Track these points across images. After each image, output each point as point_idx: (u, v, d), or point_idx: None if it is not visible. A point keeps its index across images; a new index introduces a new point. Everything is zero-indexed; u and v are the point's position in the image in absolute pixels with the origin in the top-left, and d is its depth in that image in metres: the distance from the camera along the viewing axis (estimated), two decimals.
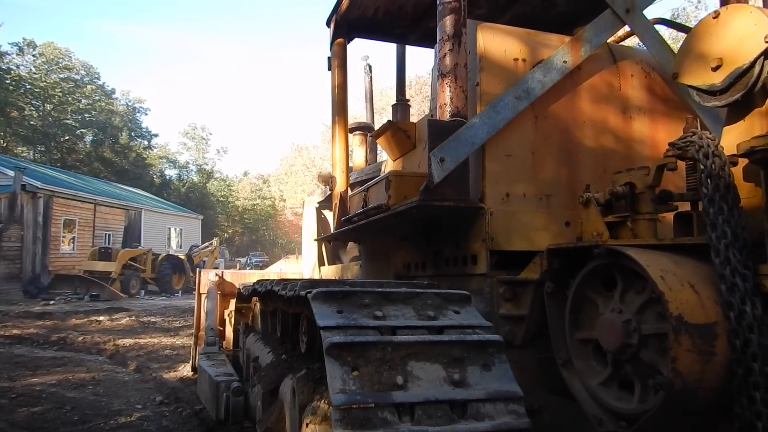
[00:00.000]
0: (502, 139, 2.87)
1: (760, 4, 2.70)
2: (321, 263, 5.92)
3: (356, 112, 7.72)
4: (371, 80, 7.43)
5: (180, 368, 7.25)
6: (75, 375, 6.87)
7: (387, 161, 4.45)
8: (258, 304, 4.83)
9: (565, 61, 2.92)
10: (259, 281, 3.91)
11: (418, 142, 3.69)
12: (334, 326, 1.84)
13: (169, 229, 31.65)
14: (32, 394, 5.94)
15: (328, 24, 4.74)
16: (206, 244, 25.38)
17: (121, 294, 17.72)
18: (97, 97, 52.75)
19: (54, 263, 21.43)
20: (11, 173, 19.71)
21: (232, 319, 6.62)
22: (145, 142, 59.30)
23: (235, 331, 5.97)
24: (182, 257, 21.51)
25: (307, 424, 2.06)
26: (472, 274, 2.85)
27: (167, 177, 60.87)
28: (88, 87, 52.25)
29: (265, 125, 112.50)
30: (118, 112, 55.61)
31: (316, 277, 5.96)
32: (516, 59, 3.02)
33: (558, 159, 3.01)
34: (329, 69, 4.72)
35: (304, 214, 7.20)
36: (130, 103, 58.33)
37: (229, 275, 6.78)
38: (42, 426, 4.88)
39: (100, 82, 53.35)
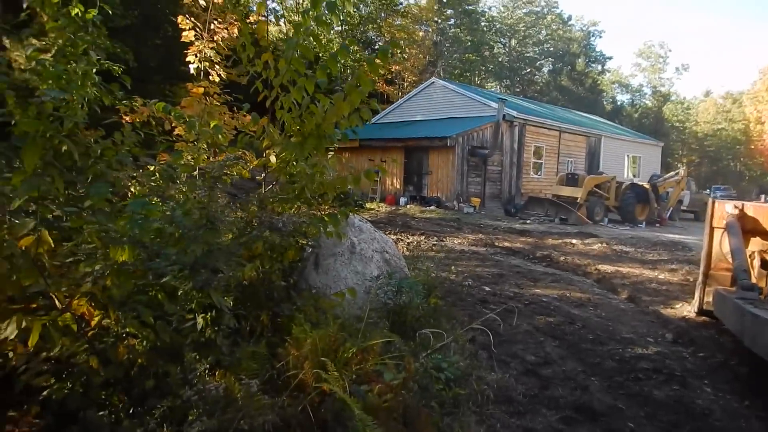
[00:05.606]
0: None
1: None
2: None
3: None
4: None
5: (677, 306, 6.66)
6: (571, 293, 7.14)
7: None
8: None
9: None
10: None
11: None
12: None
13: (626, 156, 30.50)
14: (540, 303, 6.42)
15: None
16: (672, 173, 23.14)
17: (587, 220, 18.07)
18: (555, 27, 54.71)
19: (525, 186, 23.76)
20: (495, 105, 22.37)
21: (755, 262, 5.61)
22: (599, 67, 58.57)
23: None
24: (646, 186, 20.28)
25: None
26: None
27: (619, 103, 58.96)
28: (548, 18, 54.55)
29: (735, 33, 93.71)
30: (575, 38, 56.34)
31: None
32: None
33: None
34: None
35: None
36: (584, 28, 58.24)
37: (752, 209, 5.65)
38: (563, 337, 5.15)
39: (557, 11, 54.93)
